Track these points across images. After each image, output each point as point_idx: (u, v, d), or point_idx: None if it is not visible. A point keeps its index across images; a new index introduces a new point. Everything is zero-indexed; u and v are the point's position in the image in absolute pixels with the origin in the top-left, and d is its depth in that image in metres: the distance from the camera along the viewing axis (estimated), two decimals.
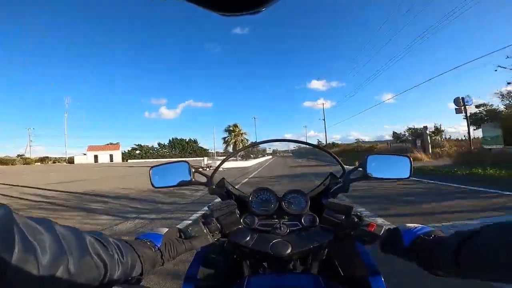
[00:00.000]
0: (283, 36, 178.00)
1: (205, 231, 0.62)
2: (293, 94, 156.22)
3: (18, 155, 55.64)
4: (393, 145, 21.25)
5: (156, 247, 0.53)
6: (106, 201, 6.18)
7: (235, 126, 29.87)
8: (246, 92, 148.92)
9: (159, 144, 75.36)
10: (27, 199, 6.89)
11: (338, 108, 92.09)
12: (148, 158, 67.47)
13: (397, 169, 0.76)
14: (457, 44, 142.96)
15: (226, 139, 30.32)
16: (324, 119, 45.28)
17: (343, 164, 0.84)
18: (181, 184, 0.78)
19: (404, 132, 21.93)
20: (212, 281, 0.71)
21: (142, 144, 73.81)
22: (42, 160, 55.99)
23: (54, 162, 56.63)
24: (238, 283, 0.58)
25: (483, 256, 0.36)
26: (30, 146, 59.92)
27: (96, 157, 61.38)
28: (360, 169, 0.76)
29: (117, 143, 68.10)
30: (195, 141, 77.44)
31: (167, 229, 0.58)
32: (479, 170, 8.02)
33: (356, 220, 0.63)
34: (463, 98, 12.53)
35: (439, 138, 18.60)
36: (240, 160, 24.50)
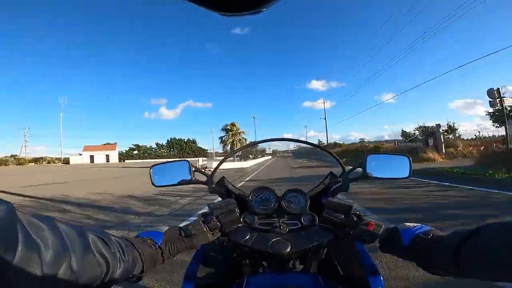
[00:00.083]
0: (283, 36, 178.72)
1: (205, 229, 0.62)
2: (292, 94, 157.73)
3: (12, 155, 54.44)
4: (401, 145, 19.92)
5: (157, 245, 0.53)
6: (68, 210, 5.30)
7: (233, 125, 28.37)
8: (246, 92, 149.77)
9: (157, 144, 74.42)
10: None
11: (338, 108, 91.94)
12: (146, 159, 66.36)
13: (397, 169, 0.76)
14: (457, 44, 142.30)
15: (223, 138, 28.78)
16: (325, 118, 44.02)
17: (343, 164, 0.83)
18: (182, 183, 0.79)
19: (414, 130, 20.72)
20: (212, 279, 0.71)
21: (140, 144, 72.77)
22: (36, 160, 54.86)
23: (49, 163, 55.39)
24: (237, 281, 0.59)
25: (483, 256, 0.36)
26: (25, 146, 59.17)
27: (92, 157, 60.18)
28: (360, 168, 0.76)
29: (114, 143, 67.02)
30: (193, 141, 76.43)
31: (167, 227, 0.59)
32: None
33: (355, 219, 0.62)
34: (498, 89, 10.98)
35: (452, 137, 17.28)
36: (238, 160, 23.21)
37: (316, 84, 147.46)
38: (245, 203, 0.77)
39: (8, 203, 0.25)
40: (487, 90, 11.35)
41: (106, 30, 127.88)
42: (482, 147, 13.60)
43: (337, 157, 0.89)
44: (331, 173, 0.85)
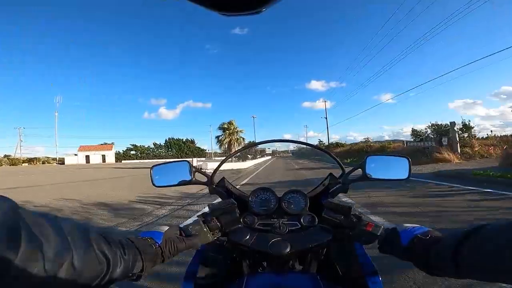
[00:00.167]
0: (283, 36, 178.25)
1: (205, 229, 0.62)
2: (292, 94, 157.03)
3: (5, 155, 53.18)
4: (411, 144, 18.46)
5: (157, 244, 0.53)
6: None
7: (230, 123, 26.74)
8: (245, 92, 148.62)
9: (154, 144, 73.04)
10: None
11: (337, 109, 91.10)
12: (143, 159, 65.16)
13: (396, 170, 0.76)
14: (457, 45, 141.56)
15: (220, 138, 27.09)
16: (326, 118, 43.02)
17: (342, 165, 0.83)
18: (182, 183, 0.79)
19: (426, 129, 19.13)
20: (211, 279, 0.71)
21: (137, 145, 71.50)
22: (30, 160, 53.46)
23: (43, 163, 54.04)
24: (237, 281, 0.59)
25: (482, 256, 0.36)
26: (21, 146, 57.86)
27: (87, 157, 58.84)
28: (360, 169, 0.76)
29: (112, 143, 65.86)
30: (192, 141, 75.12)
31: (168, 227, 0.59)
32: None
33: (354, 220, 0.63)
34: None
35: (468, 136, 15.97)
36: (235, 161, 21.91)
37: (316, 84, 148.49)
38: (245, 204, 0.78)
39: (11, 200, 0.26)
40: None
41: (105, 29, 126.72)
42: (505, 147, 12.33)
43: (336, 158, 0.88)
44: (330, 174, 0.85)
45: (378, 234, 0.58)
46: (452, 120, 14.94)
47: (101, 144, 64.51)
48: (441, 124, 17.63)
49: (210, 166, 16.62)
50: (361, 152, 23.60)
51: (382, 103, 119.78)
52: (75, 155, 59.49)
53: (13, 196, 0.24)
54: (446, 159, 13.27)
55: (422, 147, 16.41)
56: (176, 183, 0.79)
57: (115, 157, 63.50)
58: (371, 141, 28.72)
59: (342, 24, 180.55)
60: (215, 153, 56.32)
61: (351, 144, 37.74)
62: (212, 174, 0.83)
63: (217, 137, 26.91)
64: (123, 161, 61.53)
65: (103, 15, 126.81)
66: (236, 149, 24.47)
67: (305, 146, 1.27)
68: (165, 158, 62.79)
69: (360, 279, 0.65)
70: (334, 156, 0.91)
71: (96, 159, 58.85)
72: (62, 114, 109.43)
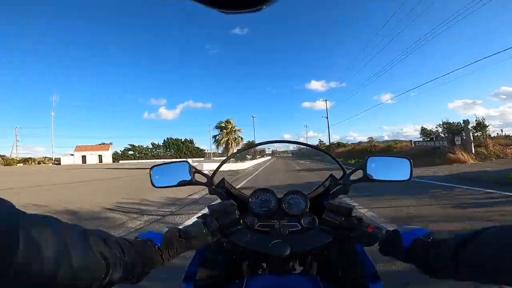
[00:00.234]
0: (283, 36, 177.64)
1: (204, 231, 0.62)
2: (292, 94, 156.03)
3: (0, 156, 52.05)
4: (420, 144, 17.41)
5: (156, 246, 0.53)
6: None
7: (228, 122, 25.16)
8: (245, 92, 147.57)
9: (152, 144, 71.99)
10: None
11: (337, 109, 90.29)
12: (141, 159, 64.23)
13: (397, 171, 0.76)
14: (457, 45, 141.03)
15: (217, 137, 25.61)
16: (327, 117, 41.99)
17: (343, 166, 0.82)
18: (182, 184, 0.79)
19: (436, 127, 17.89)
20: (211, 280, 0.70)
21: (135, 144, 70.46)
22: (25, 161, 52.33)
23: (39, 163, 52.94)
24: (237, 283, 0.59)
25: (483, 259, 0.36)
26: (17, 146, 56.83)
27: (84, 157, 57.70)
28: (360, 170, 0.76)
29: (109, 143, 64.88)
30: (191, 141, 74.06)
31: (167, 229, 0.58)
32: None
33: (355, 221, 0.62)
34: None
35: (482, 135, 14.92)
36: (233, 161, 20.83)
37: (316, 85, 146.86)
38: (245, 205, 0.77)
39: (9, 202, 0.26)
40: None
41: (104, 29, 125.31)
42: None
43: (336, 158, 0.88)
44: (331, 175, 0.84)
45: (379, 235, 0.58)
46: (451, 120, 14.11)
47: (98, 144, 63.38)
48: (453, 122, 16.58)
49: (206, 167, 15.61)
50: (364, 153, 22.49)
51: (382, 103, 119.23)
52: (71, 155, 58.32)
53: None
54: (460, 159, 12.28)
55: (433, 147, 15.42)
56: (176, 183, 0.79)
57: (113, 158, 62.55)
58: (375, 140, 27.38)
59: (342, 24, 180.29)
60: (214, 153, 55.20)
61: (353, 144, 36.81)
62: (212, 174, 0.82)
63: (214, 136, 25.73)
64: (120, 161, 60.78)
65: (102, 15, 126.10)
66: (234, 149, 23.61)
67: (305, 146, 1.15)
68: (163, 158, 62.22)
69: (360, 280, 0.65)
70: (334, 156, 0.91)
71: (92, 160, 57.66)
72: (62, 114, 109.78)
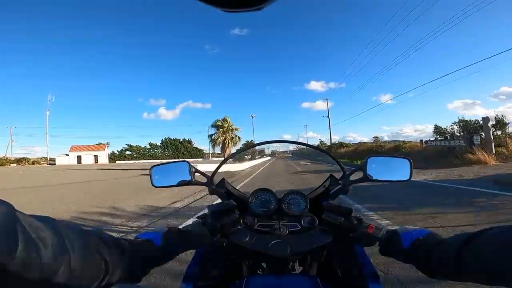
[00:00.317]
0: (282, 37, 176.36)
1: (204, 231, 0.62)
2: (292, 94, 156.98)
3: None
4: (431, 144, 16.06)
5: (156, 246, 0.52)
6: None
7: (225, 120, 23.38)
8: (245, 92, 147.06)
9: (150, 144, 70.80)
10: None
11: (337, 109, 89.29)
12: (139, 159, 63.03)
13: (397, 171, 0.75)
14: (458, 45, 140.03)
15: (213, 136, 23.62)
16: (328, 116, 40.95)
17: (343, 166, 0.81)
18: (181, 184, 0.79)
19: (451, 126, 16.43)
20: (211, 281, 0.70)
21: (133, 145, 69.17)
22: (19, 161, 51.06)
23: (33, 163, 51.65)
24: (237, 283, 0.58)
25: (485, 260, 0.36)
26: (12, 145, 55.48)
27: (79, 158, 56.33)
28: (361, 171, 0.75)
29: (106, 143, 63.67)
30: (189, 141, 72.88)
31: (167, 229, 0.58)
32: None
33: (355, 222, 0.62)
34: None
35: (503, 134, 13.61)
36: (230, 162, 19.49)
37: (315, 85, 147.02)
38: (245, 205, 0.77)
39: (7, 203, 0.25)
40: None
41: (104, 29, 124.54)
42: None
43: (336, 159, 0.88)
44: (331, 175, 0.84)
45: (379, 236, 0.58)
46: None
47: (94, 145, 62.14)
48: (470, 120, 15.23)
49: (201, 169, 14.28)
50: (370, 153, 21.26)
51: (381, 104, 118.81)
52: (67, 155, 57.02)
53: None
54: (481, 160, 11.04)
55: (447, 147, 14.11)
56: (176, 183, 0.78)
57: (109, 158, 61.38)
58: (380, 140, 25.91)
59: (342, 24, 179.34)
60: (213, 153, 53.88)
61: (357, 144, 35.39)
62: (212, 175, 0.82)
63: (210, 135, 23.76)
64: (117, 162, 59.54)
65: (101, 14, 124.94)
66: (231, 149, 22.24)
67: (305, 146, 1.15)
68: (161, 159, 61.18)
69: (360, 281, 0.64)
70: (333, 157, 0.91)
71: (88, 160, 56.35)
72: (60, 114, 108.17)
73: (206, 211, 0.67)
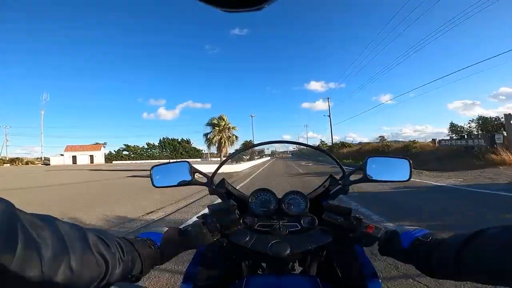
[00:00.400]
0: (282, 37, 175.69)
1: (204, 231, 0.61)
2: (292, 94, 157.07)
3: None
4: (446, 143, 14.81)
5: (156, 245, 0.52)
6: None
7: (221, 118, 21.60)
8: (245, 92, 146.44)
9: (148, 144, 69.55)
10: None
11: (336, 109, 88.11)
12: (136, 160, 61.96)
13: (397, 171, 0.76)
14: (458, 46, 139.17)
15: (209, 136, 21.71)
16: (329, 115, 39.80)
17: (342, 166, 0.81)
18: (182, 184, 0.79)
19: (469, 123, 15.00)
20: (211, 280, 0.70)
21: (130, 145, 67.95)
22: (13, 161, 49.81)
23: (27, 163, 50.39)
24: (237, 283, 0.59)
25: (484, 259, 0.36)
26: (6, 145, 54.26)
27: (74, 158, 55.02)
28: (360, 171, 0.76)
29: (103, 143, 62.60)
30: (187, 141, 71.66)
31: (167, 228, 0.58)
32: None
33: (355, 222, 0.62)
34: None
35: None
36: (228, 163, 18.23)
37: (315, 85, 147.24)
38: (245, 205, 0.77)
39: (8, 202, 0.25)
40: None
41: (103, 29, 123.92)
42: None
43: (336, 159, 0.88)
44: (331, 175, 0.84)
45: (379, 236, 0.58)
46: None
47: (90, 144, 60.84)
48: (490, 117, 13.87)
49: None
50: (376, 153, 20.02)
51: (382, 104, 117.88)
52: (61, 155, 55.73)
53: None
54: (506, 161, 9.86)
55: (465, 146, 12.91)
56: (176, 183, 0.79)
57: (106, 158, 60.26)
58: (387, 140, 24.40)
59: (342, 24, 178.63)
60: (212, 154, 52.62)
61: (358, 144, 34.14)
62: (212, 175, 0.81)
63: (205, 134, 21.80)
64: (114, 162, 58.53)
65: (102, 14, 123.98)
66: (227, 149, 20.87)
67: (305, 146, 1.12)
68: (159, 159, 60.08)
69: (360, 281, 0.64)
70: (333, 156, 0.91)
71: (83, 160, 55.04)
72: (61, 114, 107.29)
73: (206, 211, 0.67)
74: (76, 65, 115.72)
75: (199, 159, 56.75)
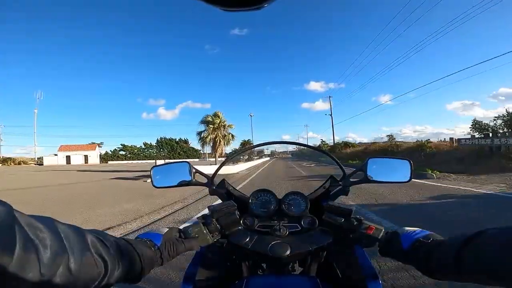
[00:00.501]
0: (282, 37, 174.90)
1: (205, 231, 0.62)
2: (292, 95, 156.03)
3: None
4: (466, 143, 13.42)
5: (156, 246, 0.52)
6: None
7: (216, 116, 19.71)
8: (245, 92, 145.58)
9: (145, 144, 68.31)
10: None
11: (336, 110, 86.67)
12: (133, 160, 60.66)
13: (398, 173, 0.76)
14: (458, 46, 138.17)
15: (202, 134, 19.78)
16: (331, 114, 38.56)
17: (342, 167, 0.81)
18: (182, 184, 0.79)
19: (494, 120, 13.36)
20: (211, 281, 0.70)
21: (127, 144, 66.67)
22: (5, 161, 48.37)
23: (19, 163, 48.95)
24: (237, 284, 0.59)
25: (484, 260, 0.36)
26: (0, 145, 52.74)
27: (68, 158, 53.50)
28: (361, 172, 0.75)
29: (100, 143, 61.31)
30: (185, 141, 70.41)
31: (167, 229, 0.58)
32: None
33: (355, 223, 0.62)
34: None
35: None
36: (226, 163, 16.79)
37: (315, 85, 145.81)
38: (246, 205, 0.77)
39: (6, 203, 0.25)
40: None
41: (103, 29, 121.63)
42: None
43: (336, 159, 0.87)
44: (331, 176, 0.84)
45: (379, 237, 0.58)
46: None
47: (85, 144, 59.43)
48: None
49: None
50: (384, 153, 18.63)
51: (381, 105, 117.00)
52: (55, 155, 54.24)
53: None
54: None
55: (489, 146, 11.60)
56: (176, 184, 0.79)
57: (101, 158, 59.07)
58: (394, 140, 22.62)
59: (342, 25, 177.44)
60: (210, 154, 51.29)
61: (366, 143, 32.71)
62: (213, 175, 0.82)
63: (199, 133, 19.86)
64: (109, 162, 57.21)
65: (102, 14, 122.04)
66: (223, 148, 19.39)
67: (305, 147, 1.05)
68: (157, 159, 58.63)
69: (360, 282, 0.64)
70: (333, 157, 0.91)
71: (77, 160, 53.53)
72: (62, 114, 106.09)
73: (206, 211, 0.67)
74: (76, 65, 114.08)
75: (196, 159, 55.42)
